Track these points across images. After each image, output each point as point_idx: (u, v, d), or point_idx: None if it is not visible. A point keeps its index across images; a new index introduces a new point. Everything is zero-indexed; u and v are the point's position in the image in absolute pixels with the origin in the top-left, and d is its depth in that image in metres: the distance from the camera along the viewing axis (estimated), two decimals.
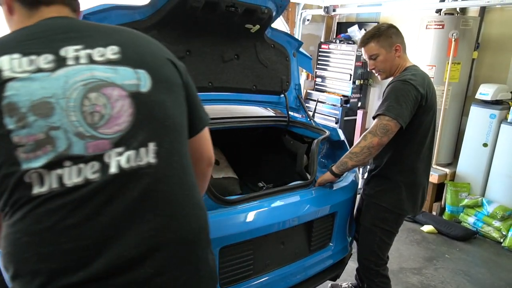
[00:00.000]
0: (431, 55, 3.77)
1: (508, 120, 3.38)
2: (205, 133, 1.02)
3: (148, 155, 0.80)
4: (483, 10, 3.81)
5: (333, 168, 1.79)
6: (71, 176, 0.73)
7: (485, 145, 3.55)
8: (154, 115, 0.83)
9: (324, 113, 4.92)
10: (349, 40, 4.69)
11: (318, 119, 2.88)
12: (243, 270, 1.56)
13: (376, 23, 4.65)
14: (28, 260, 0.73)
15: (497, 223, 3.38)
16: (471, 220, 3.58)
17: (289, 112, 2.27)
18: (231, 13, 1.75)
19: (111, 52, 0.82)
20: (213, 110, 2.11)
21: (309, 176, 1.89)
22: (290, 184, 1.81)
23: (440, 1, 3.91)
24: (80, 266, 0.73)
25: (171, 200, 0.84)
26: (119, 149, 0.77)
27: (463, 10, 3.90)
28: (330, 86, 5.01)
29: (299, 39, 2.56)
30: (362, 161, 1.73)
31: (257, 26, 1.95)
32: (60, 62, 0.76)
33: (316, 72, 5.10)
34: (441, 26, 3.67)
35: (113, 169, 0.76)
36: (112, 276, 0.75)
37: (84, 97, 0.76)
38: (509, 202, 3.40)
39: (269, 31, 2.10)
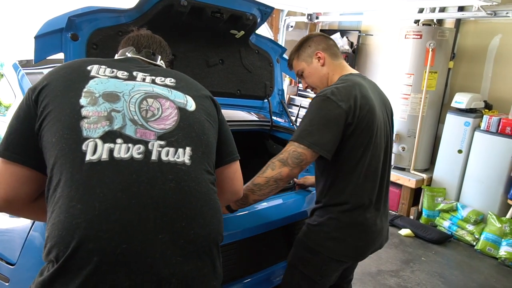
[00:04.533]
0: (409, 64, 3.90)
1: (481, 128, 3.52)
2: (233, 168, 1.16)
3: (184, 156, 0.95)
4: (458, 22, 3.97)
5: (231, 204, 1.45)
6: (120, 151, 0.88)
7: (460, 151, 3.69)
8: (194, 128, 1.00)
9: None
10: None
11: None
12: (226, 273, 1.57)
13: (358, 31, 4.78)
14: (79, 226, 0.81)
15: (470, 227, 3.51)
16: (446, 224, 3.70)
17: (272, 117, 2.30)
18: (216, 19, 1.78)
19: (169, 81, 1.07)
20: None
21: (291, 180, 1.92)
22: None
23: (418, 12, 4.06)
24: (123, 240, 0.81)
25: (201, 199, 0.94)
26: (161, 142, 0.93)
27: (440, 22, 4.05)
28: (312, 91, 5.09)
29: (283, 45, 2.60)
30: (266, 195, 1.40)
31: (242, 32, 1.98)
32: (132, 77, 1.02)
33: None
34: (419, 36, 3.80)
35: (154, 157, 0.90)
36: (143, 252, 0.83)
37: (144, 99, 0.97)
38: (481, 207, 3.54)
39: (253, 37, 2.13)
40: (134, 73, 1.04)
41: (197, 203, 0.93)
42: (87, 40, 1.50)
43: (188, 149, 0.95)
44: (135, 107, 0.95)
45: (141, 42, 1.20)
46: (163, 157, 0.91)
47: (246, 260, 1.68)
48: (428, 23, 3.92)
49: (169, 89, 1.03)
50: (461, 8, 3.81)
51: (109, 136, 0.88)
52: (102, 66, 1.01)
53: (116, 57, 1.20)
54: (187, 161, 0.94)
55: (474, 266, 3.18)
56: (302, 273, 1.49)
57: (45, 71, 2.31)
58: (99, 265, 0.79)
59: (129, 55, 1.17)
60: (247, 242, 1.62)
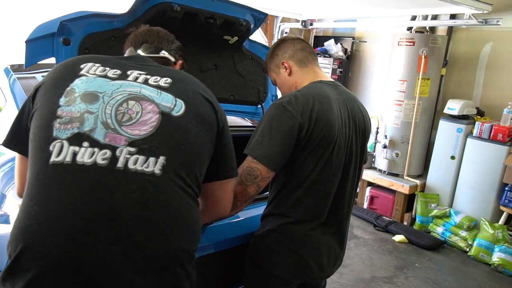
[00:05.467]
0: (402, 71, 3.93)
1: (474, 134, 3.55)
2: (225, 185, 1.09)
3: (155, 166, 0.87)
4: (450, 29, 4.02)
5: None
6: (84, 156, 0.85)
7: (452, 157, 3.71)
8: (174, 136, 0.92)
9: None
10: (325, 53, 4.82)
11: None
12: (206, 286, 1.51)
13: (352, 38, 4.81)
14: (31, 227, 0.81)
15: (463, 233, 3.52)
16: (439, 230, 3.71)
17: None
18: (209, 25, 1.78)
19: (164, 81, 0.99)
20: None
21: None
22: (265, 193, 1.83)
23: (411, 20, 4.10)
24: (69, 248, 0.79)
25: (168, 213, 0.87)
26: (131, 149, 0.87)
27: (432, 29, 4.09)
28: None
29: None
30: (230, 214, 1.29)
31: (235, 38, 1.98)
32: (123, 76, 0.97)
33: None
34: (411, 43, 3.84)
35: (119, 164, 0.85)
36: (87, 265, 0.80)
37: (125, 101, 0.92)
38: (474, 213, 3.56)
39: (247, 43, 2.14)
40: (129, 72, 0.99)
41: (162, 217, 0.86)
42: (79, 44, 1.49)
43: (161, 158, 0.88)
44: (112, 109, 0.90)
45: (138, 39, 1.17)
46: (130, 166, 0.85)
47: (231, 271, 1.63)
48: (420, 31, 3.96)
49: (159, 90, 0.96)
50: (453, 16, 3.86)
51: (76, 139, 0.86)
52: (96, 64, 0.99)
53: None
54: (157, 171, 0.86)
55: (468, 272, 3.19)
56: None
57: (37, 76, 2.30)
58: (43, 270, 0.78)
59: (138, 52, 1.13)
60: (234, 251, 1.56)
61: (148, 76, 0.99)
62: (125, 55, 1.16)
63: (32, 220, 0.81)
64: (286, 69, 1.43)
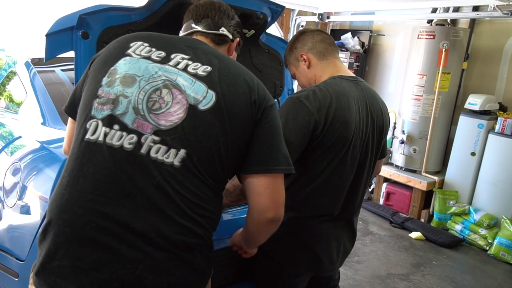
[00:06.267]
0: (422, 64, 3.84)
1: (496, 130, 3.45)
2: (262, 181, 0.97)
3: (175, 158, 0.90)
4: (473, 22, 3.90)
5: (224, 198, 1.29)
6: (113, 138, 0.90)
7: (473, 154, 3.62)
8: (196, 131, 0.92)
9: None
10: (342, 47, 4.75)
11: None
12: (219, 280, 1.52)
13: (369, 31, 4.73)
14: (63, 196, 0.90)
15: (483, 231, 3.44)
16: (458, 227, 3.64)
17: None
18: None
19: (203, 69, 0.97)
20: None
21: None
22: None
23: (431, 12, 3.99)
24: (93, 219, 0.87)
25: (184, 202, 0.91)
26: (156, 138, 0.90)
27: (454, 22, 3.98)
28: None
29: None
30: (236, 202, 1.30)
31: (252, 31, 1.97)
32: (166, 59, 0.98)
33: None
34: (432, 36, 3.74)
35: (143, 150, 0.89)
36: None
37: (158, 89, 0.93)
38: (495, 211, 3.47)
39: (263, 36, 2.12)
40: (172, 55, 0.98)
41: (178, 205, 0.89)
42: (97, 38, 1.50)
43: (182, 151, 0.90)
44: (145, 95, 0.92)
45: (199, 13, 1.14)
46: (152, 154, 0.89)
47: (242, 266, 1.60)
48: (441, 23, 3.85)
49: (194, 80, 0.95)
50: (476, 8, 3.74)
51: (108, 120, 0.91)
52: (145, 44, 1.00)
53: (181, 33, 1.16)
54: (176, 163, 0.89)
55: (487, 271, 3.12)
56: (265, 282, 1.44)
57: (57, 70, 2.33)
58: (70, 236, 0.87)
59: (197, 27, 1.12)
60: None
61: (190, 62, 0.98)
62: (183, 27, 1.16)
63: (64, 189, 0.90)
64: (305, 62, 1.41)
